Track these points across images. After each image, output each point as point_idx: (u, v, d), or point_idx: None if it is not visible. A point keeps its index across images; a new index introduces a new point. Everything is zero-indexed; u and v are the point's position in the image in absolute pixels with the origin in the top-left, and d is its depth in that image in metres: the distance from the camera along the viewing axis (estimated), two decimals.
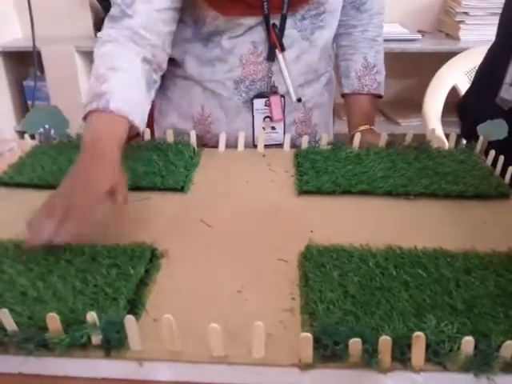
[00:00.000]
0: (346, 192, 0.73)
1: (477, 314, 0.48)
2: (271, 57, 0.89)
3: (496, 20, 1.88)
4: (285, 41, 0.89)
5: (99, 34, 0.82)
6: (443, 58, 1.54)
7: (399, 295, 0.50)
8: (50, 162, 0.78)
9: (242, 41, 0.88)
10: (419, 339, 0.43)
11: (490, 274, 0.54)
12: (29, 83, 1.94)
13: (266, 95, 0.92)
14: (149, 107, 0.80)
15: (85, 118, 0.72)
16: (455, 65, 1.52)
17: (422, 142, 0.86)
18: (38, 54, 1.77)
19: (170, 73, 0.80)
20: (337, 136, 1.01)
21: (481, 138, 0.85)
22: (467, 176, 0.76)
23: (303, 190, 0.74)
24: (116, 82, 0.74)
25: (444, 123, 1.46)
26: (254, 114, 0.93)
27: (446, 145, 0.89)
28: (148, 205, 0.71)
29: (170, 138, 0.86)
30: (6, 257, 0.56)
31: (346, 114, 1.02)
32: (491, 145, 0.84)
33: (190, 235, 0.64)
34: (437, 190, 0.73)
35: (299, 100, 0.94)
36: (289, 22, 0.88)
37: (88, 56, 1.87)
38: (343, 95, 1.03)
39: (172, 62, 0.91)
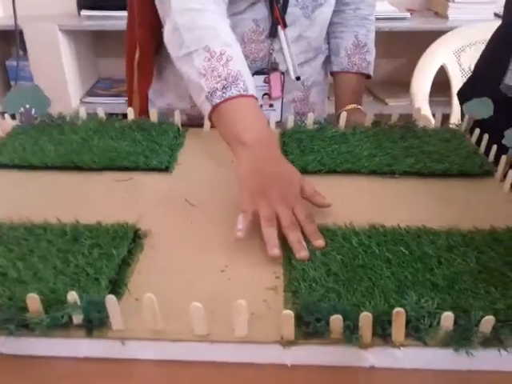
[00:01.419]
0: (331, 171, 0.73)
1: (457, 290, 0.49)
2: (273, 33, 0.88)
3: None
4: (287, 18, 0.88)
5: (174, 2, 0.74)
6: (432, 36, 1.53)
7: (381, 272, 0.51)
8: (32, 142, 0.77)
9: (244, 18, 0.86)
10: (399, 315, 0.43)
11: (472, 250, 0.54)
12: (11, 63, 1.90)
13: (265, 72, 0.91)
14: None
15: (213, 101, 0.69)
16: (443, 44, 1.51)
17: (407, 121, 0.86)
18: (20, 33, 1.73)
19: (166, 52, 0.79)
20: (330, 116, 1.01)
21: (466, 117, 0.85)
22: (452, 155, 0.76)
23: None
24: (238, 59, 0.71)
25: (432, 103, 1.45)
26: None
27: (433, 124, 0.88)
28: (131, 185, 0.70)
29: (155, 118, 0.85)
30: None
31: (334, 92, 1.02)
32: (476, 123, 0.84)
33: (173, 215, 0.64)
34: (422, 169, 0.73)
35: (298, 78, 0.93)
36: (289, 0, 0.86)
37: (71, 34, 1.84)
38: (332, 73, 1.02)
39: None
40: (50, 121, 0.83)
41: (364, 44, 0.99)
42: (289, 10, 0.87)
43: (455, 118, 1.38)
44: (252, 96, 0.69)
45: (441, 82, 1.48)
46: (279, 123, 0.91)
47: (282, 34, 0.88)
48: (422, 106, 1.40)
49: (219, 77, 0.68)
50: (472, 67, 1.02)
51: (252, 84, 0.70)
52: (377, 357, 0.45)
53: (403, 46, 2.00)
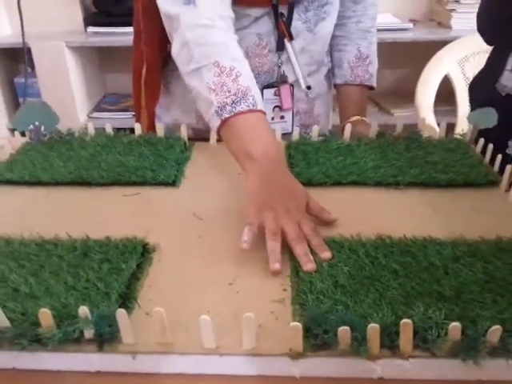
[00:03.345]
0: (337, 183, 0.74)
1: (464, 300, 0.49)
2: (280, 46, 0.89)
3: None
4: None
5: (182, 12, 0.75)
6: (435, 46, 1.54)
7: (388, 284, 0.51)
8: (41, 159, 0.78)
9: (247, 33, 0.88)
10: (407, 326, 0.43)
11: (478, 260, 0.55)
12: (19, 80, 1.93)
13: (275, 85, 0.92)
14: None
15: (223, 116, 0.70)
16: (447, 54, 1.52)
17: (412, 132, 0.86)
18: (28, 51, 1.76)
19: (173, 67, 0.80)
20: (334, 127, 1.01)
21: (470, 127, 0.86)
22: (457, 165, 0.77)
23: None
24: (247, 75, 0.72)
25: (437, 112, 1.46)
26: (264, 104, 0.92)
27: (438, 133, 0.89)
28: (139, 199, 0.71)
29: (161, 132, 0.86)
30: None
31: (338, 104, 1.03)
32: (481, 133, 0.84)
33: (181, 229, 0.64)
34: (427, 180, 0.73)
35: (309, 87, 0.94)
36: (293, 14, 0.88)
37: (78, 51, 1.87)
38: (335, 85, 1.03)
39: None
40: (59, 137, 0.85)
41: (366, 56, 1.00)
42: (292, 24, 0.89)
43: (461, 127, 1.39)
44: (260, 111, 0.70)
45: (445, 92, 1.48)
46: (288, 134, 0.92)
47: (289, 47, 0.90)
48: (426, 116, 1.41)
49: (229, 92, 0.69)
50: (476, 74, 1.03)
51: (260, 99, 0.71)
52: (385, 368, 0.45)
53: (407, 57, 2.01)
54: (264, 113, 0.71)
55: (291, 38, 0.89)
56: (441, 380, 0.46)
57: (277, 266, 0.56)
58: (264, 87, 0.92)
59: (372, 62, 1.01)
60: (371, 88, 1.02)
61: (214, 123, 0.71)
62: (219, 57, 0.72)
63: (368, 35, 1.00)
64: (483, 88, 0.94)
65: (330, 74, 1.04)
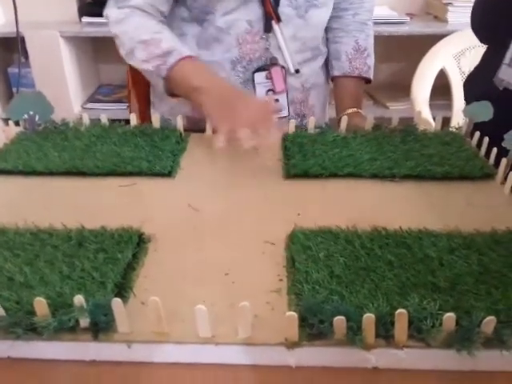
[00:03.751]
0: (333, 175, 0.74)
1: (459, 291, 0.49)
2: (268, 28, 0.89)
3: None
4: (281, 18, 0.89)
5: (108, 14, 0.92)
6: (432, 40, 1.54)
7: (384, 275, 0.51)
8: (35, 149, 0.77)
9: (237, 19, 0.88)
10: (402, 316, 0.44)
11: (473, 252, 0.55)
12: (13, 70, 1.91)
13: (265, 68, 0.92)
14: None
15: (166, 76, 0.84)
16: (443, 47, 1.52)
17: (408, 125, 0.86)
18: (22, 40, 1.74)
19: None
20: (331, 120, 1.01)
21: (466, 120, 0.86)
22: (452, 157, 0.77)
23: (290, 174, 0.74)
24: (168, 39, 0.85)
25: (432, 106, 1.46)
26: (256, 88, 0.93)
27: (433, 127, 0.89)
28: (135, 190, 0.71)
29: (157, 123, 0.86)
30: None
31: (334, 96, 1.03)
32: (477, 126, 0.85)
33: (177, 219, 0.64)
34: (422, 172, 0.74)
35: (297, 71, 0.94)
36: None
37: (72, 41, 1.85)
38: (332, 78, 1.03)
39: None
40: (54, 127, 0.84)
41: (364, 48, 1.00)
42: (282, 9, 0.88)
43: (456, 121, 1.39)
44: (190, 56, 0.83)
45: (441, 86, 1.48)
46: (285, 118, 0.92)
47: (277, 29, 0.89)
48: (422, 110, 1.41)
49: (158, 56, 0.83)
50: (472, 70, 1.03)
51: (187, 50, 0.84)
52: (380, 358, 0.45)
53: (403, 50, 2.01)
54: (194, 56, 0.84)
55: (279, 20, 0.88)
56: (435, 370, 0.46)
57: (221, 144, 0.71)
58: (255, 71, 0.91)
59: (370, 55, 1.00)
60: (368, 81, 1.02)
61: (165, 87, 0.84)
62: (142, 35, 0.85)
63: (365, 28, 1.00)
64: (480, 82, 0.94)
65: (329, 67, 1.03)
